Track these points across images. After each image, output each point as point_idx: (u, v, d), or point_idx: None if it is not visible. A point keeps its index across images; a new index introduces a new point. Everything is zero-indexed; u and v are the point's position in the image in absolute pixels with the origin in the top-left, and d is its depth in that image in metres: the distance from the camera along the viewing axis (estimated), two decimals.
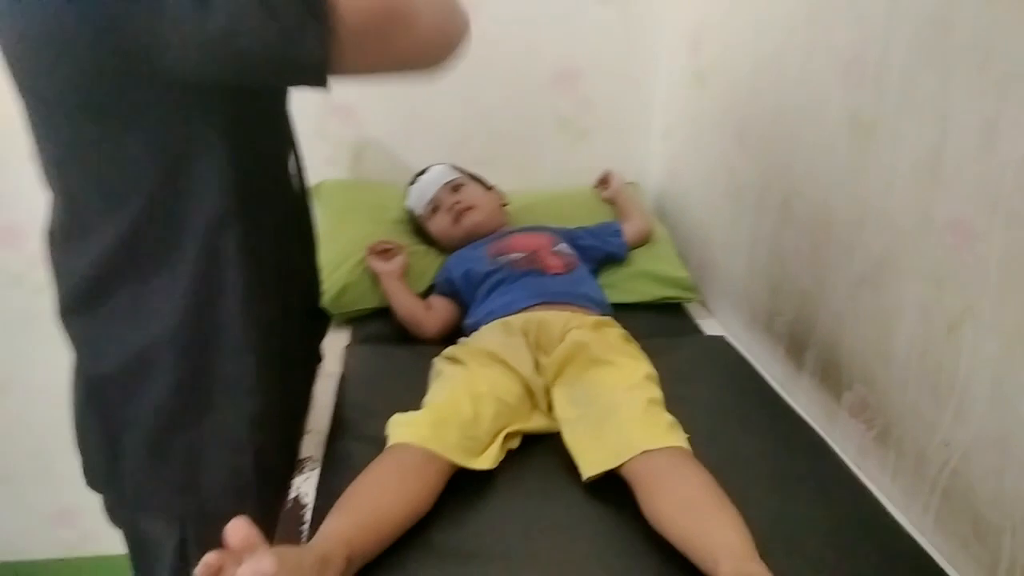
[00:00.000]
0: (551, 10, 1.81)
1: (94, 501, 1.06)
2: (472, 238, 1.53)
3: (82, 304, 0.90)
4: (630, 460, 0.91)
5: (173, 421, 0.92)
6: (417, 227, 1.64)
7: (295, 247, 1.05)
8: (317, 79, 0.72)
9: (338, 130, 1.82)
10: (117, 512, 1.05)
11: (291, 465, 1.07)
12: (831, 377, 1.19)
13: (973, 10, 0.86)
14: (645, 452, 0.91)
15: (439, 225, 1.56)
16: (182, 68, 0.72)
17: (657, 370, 1.12)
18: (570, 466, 0.99)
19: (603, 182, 1.81)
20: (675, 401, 1.05)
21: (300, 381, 1.11)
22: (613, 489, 0.93)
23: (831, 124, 1.15)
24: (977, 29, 0.86)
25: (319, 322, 1.18)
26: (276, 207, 0.96)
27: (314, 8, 0.69)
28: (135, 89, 0.75)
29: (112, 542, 1.14)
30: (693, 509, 0.85)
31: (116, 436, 0.94)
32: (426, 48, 0.79)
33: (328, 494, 0.93)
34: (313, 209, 1.07)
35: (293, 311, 1.03)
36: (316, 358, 1.18)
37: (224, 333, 0.90)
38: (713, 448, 0.97)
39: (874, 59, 1.05)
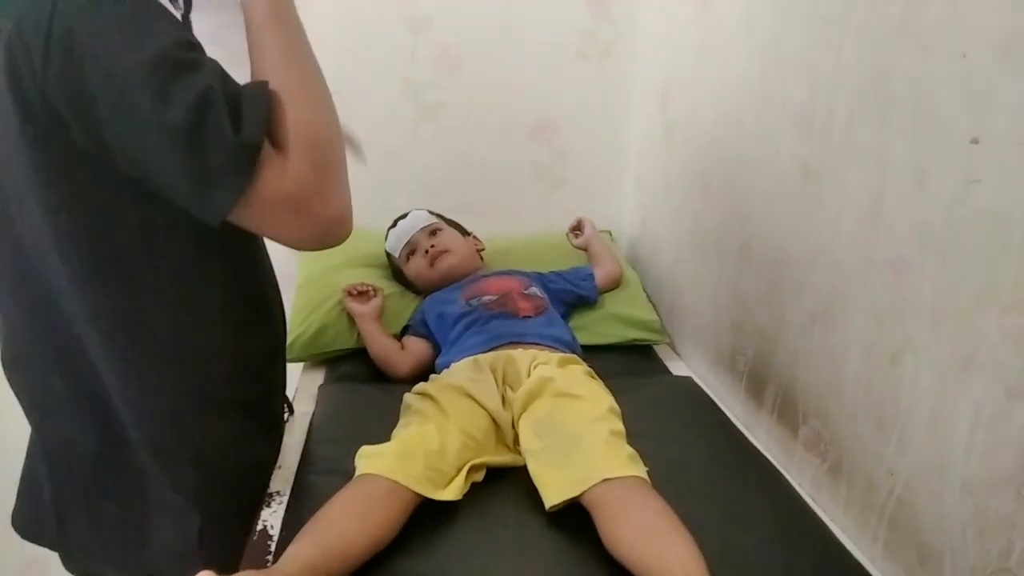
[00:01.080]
0: (530, 64, 1.90)
1: None
2: (447, 281, 1.58)
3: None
4: (591, 488, 0.94)
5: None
6: (395, 270, 1.69)
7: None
8: (210, 219, 0.74)
9: None
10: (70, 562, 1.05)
11: (247, 525, 1.04)
12: (788, 413, 1.23)
13: (906, 63, 0.93)
14: (606, 480, 0.94)
15: (415, 268, 1.61)
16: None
17: (623, 407, 1.15)
18: (533, 497, 1.01)
19: (576, 229, 1.87)
20: (638, 436, 1.08)
21: (258, 442, 1.08)
22: (575, 519, 0.95)
23: (784, 172, 1.21)
24: (910, 80, 0.92)
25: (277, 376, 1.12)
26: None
27: (239, 165, 0.71)
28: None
29: None
30: (649, 534, 0.87)
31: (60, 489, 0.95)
32: (318, 234, 0.79)
33: (294, 527, 0.94)
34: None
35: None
36: (278, 416, 1.14)
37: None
38: (673, 481, 1.00)
39: (821, 112, 1.11)
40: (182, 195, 0.74)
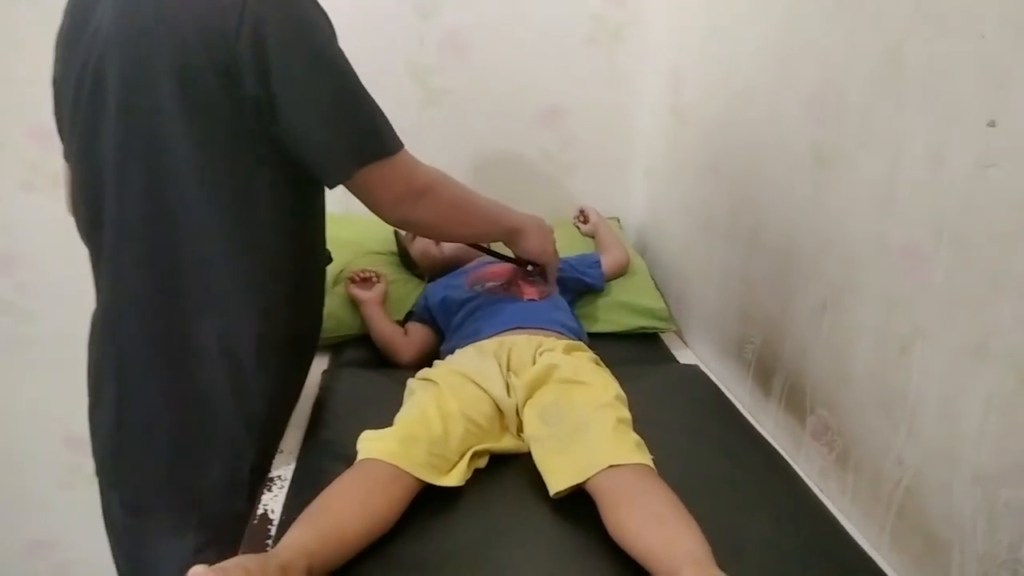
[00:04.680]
0: (539, 50, 1.88)
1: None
2: (452, 265, 1.57)
3: None
4: (596, 475, 0.93)
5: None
6: (401, 250, 1.68)
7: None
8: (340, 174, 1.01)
9: None
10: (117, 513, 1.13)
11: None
12: (796, 402, 1.21)
13: (921, 45, 0.91)
14: (611, 467, 0.93)
15: (420, 246, 1.60)
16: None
17: (630, 395, 1.13)
18: (537, 484, 1.00)
19: (583, 218, 1.85)
20: (645, 424, 1.06)
21: (296, 385, 1.22)
22: (579, 506, 0.94)
23: (795, 157, 1.19)
24: (925, 63, 0.90)
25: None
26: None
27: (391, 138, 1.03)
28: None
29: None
30: (655, 522, 0.86)
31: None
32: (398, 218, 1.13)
33: (295, 511, 0.93)
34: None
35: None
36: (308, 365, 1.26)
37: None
38: (679, 470, 0.98)
39: (834, 95, 1.09)
40: (324, 145, 0.97)
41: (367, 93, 1.00)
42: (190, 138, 0.93)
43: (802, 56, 1.17)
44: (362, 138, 1.00)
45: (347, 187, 1.03)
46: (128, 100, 0.94)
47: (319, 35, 0.95)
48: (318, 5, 0.97)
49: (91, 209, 1.03)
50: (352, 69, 0.99)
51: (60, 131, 1.11)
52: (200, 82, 0.91)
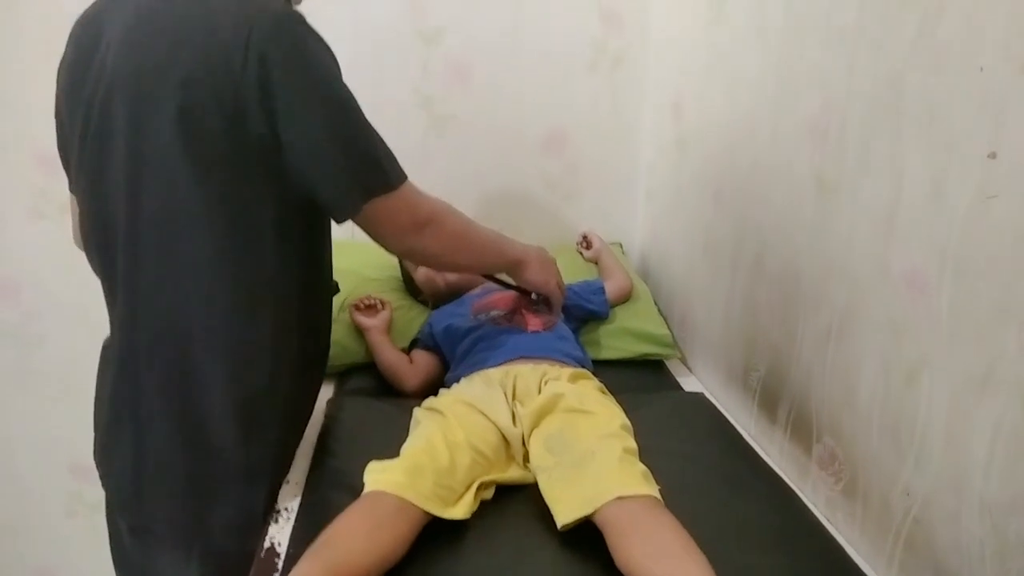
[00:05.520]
0: (541, 76, 1.90)
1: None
2: (456, 292, 1.57)
3: None
4: (603, 506, 0.92)
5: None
6: (405, 276, 1.69)
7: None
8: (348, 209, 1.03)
9: None
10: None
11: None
12: (802, 430, 1.21)
13: (921, 76, 0.92)
14: (618, 498, 0.92)
15: (424, 273, 1.61)
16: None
17: (635, 423, 1.13)
18: (544, 516, 1.00)
19: (586, 244, 1.86)
20: (650, 453, 1.06)
21: (305, 417, 1.24)
22: (586, 537, 0.94)
23: (798, 184, 1.20)
24: (925, 94, 0.91)
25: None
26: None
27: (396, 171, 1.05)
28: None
29: None
30: (663, 555, 0.86)
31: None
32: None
33: (302, 544, 0.93)
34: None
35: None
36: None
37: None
38: (685, 500, 0.98)
39: (836, 122, 1.10)
40: (330, 181, 0.98)
41: (371, 127, 1.01)
42: (195, 175, 0.94)
43: (803, 84, 1.18)
44: (367, 173, 1.00)
45: (352, 219, 1.04)
46: (135, 138, 0.95)
47: (323, 72, 0.96)
48: (322, 41, 0.98)
49: (102, 244, 1.04)
50: (356, 104, 1.00)
51: (65, 164, 1.12)
52: (205, 120, 0.92)
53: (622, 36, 1.89)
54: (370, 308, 1.58)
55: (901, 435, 0.96)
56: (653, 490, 0.96)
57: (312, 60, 0.95)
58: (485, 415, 1.12)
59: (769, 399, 1.32)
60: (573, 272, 1.75)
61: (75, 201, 1.11)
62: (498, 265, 1.34)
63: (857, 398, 1.06)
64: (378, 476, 0.97)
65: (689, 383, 1.58)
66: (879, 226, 1.00)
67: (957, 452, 0.87)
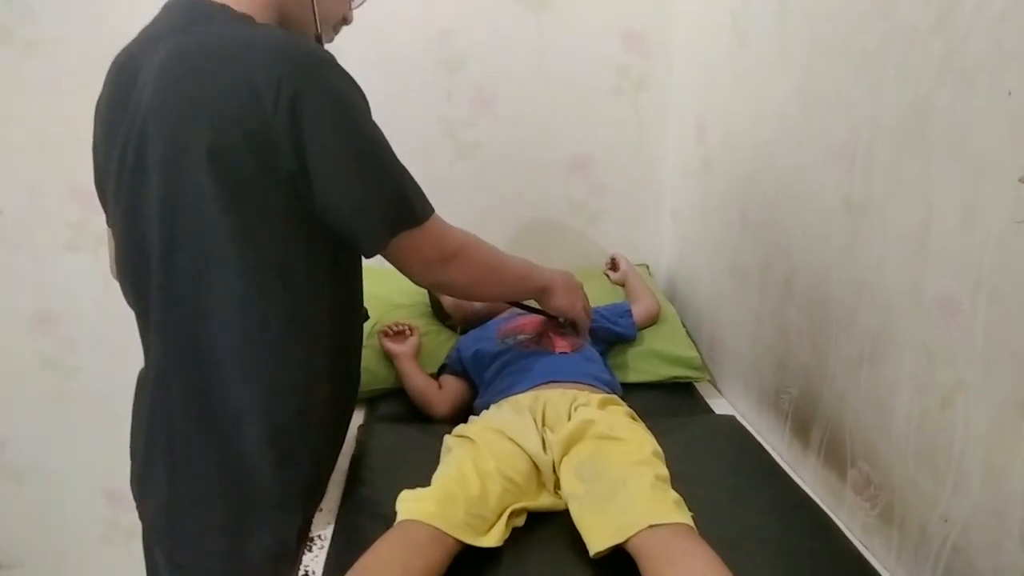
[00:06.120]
0: (565, 101, 1.91)
1: None
2: (483, 318, 1.58)
3: None
4: (636, 534, 0.92)
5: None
6: (434, 301, 1.71)
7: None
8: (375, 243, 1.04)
9: None
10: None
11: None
12: (836, 455, 1.20)
13: (948, 99, 0.91)
14: (651, 527, 0.92)
15: (452, 299, 1.62)
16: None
17: (665, 448, 1.13)
18: (576, 543, 1.00)
19: (612, 266, 1.86)
20: (682, 479, 1.06)
21: (338, 446, 1.25)
22: (619, 565, 0.93)
23: (825, 206, 1.20)
24: (952, 118, 0.91)
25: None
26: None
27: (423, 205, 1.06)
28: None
29: None
30: None
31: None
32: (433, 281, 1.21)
33: (337, 572, 0.95)
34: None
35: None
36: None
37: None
38: (718, 526, 0.98)
39: (862, 145, 1.10)
40: (359, 217, 1.00)
41: (398, 162, 1.03)
42: (227, 211, 0.96)
43: (828, 107, 1.18)
44: (395, 208, 1.02)
45: (380, 253, 1.06)
46: (168, 176, 0.97)
47: (352, 109, 0.98)
48: (351, 79, 0.99)
49: (136, 279, 1.06)
50: (384, 140, 1.02)
51: (102, 199, 1.14)
52: (235, 158, 0.94)
53: (645, 59, 1.90)
54: (399, 334, 1.59)
55: (938, 461, 0.95)
56: (686, 518, 0.96)
57: (342, 100, 0.97)
58: (515, 442, 1.13)
59: (802, 422, 1.31)
60: (600, 295, 1.75)
61: (111, 235, 1.14)
62: (525, 293, 1.35)
63: (892, 422, 1.05)
64: (410, 505, 0.98)
65: (720, 406, 1.57)
66: (910, 249, 0.99)
67: (997, 479, 0.86)
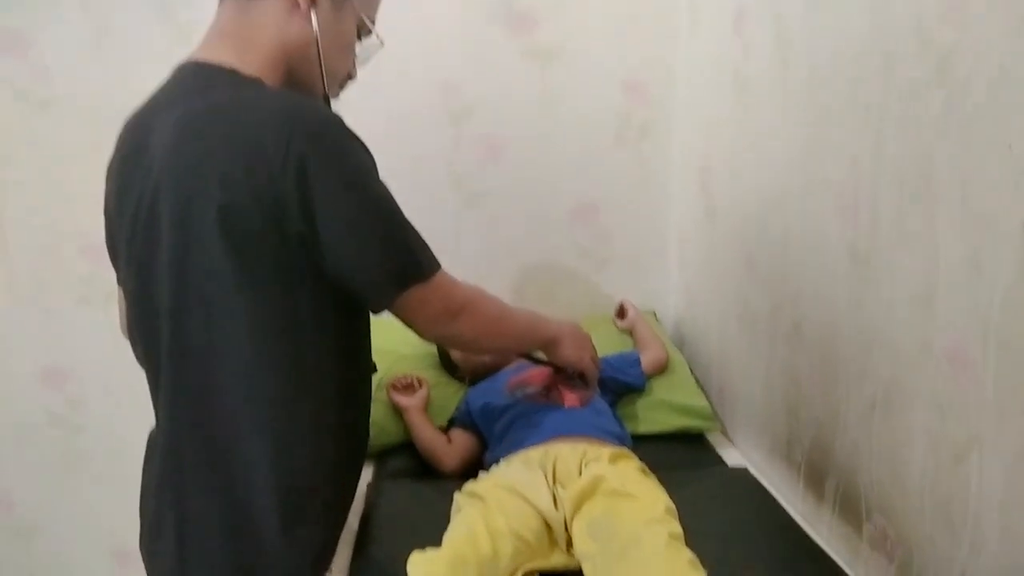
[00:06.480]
0: (569, 149, 1.93)
1: None
2: (491, 369, 1.58)
3: None
4: None
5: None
6: (442, 353, 1.71)
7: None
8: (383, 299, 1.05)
9: None
10: None
11: None
12: (851, 508, 1.18)
13: (950, 153, 0.92)
14: None
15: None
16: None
17: (678, 503, 1.12)
18: None
19: (620, 313, 1.86)
20: (696, 536, 1.04)
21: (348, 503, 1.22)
22: None
23: (831, 255, 1.20)
24: (955, 170, 0.91)
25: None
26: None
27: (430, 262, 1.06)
28: None
29: None
30: None
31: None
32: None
33: None
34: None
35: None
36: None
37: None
38: None
39: (866, 196, 1.10)
40: (367, 274, 1.01)
41: (405, 219, 1.04)
42: (236, 270, 0.97)
43: (831, 157, 1.19)
44: (402, 264, 1.03)
45: (387, 309, 1.06)
46: (179, 235, 0.98)
47: (359, 169, 0.99)
48: (357, 139, 1.01)
49: (147, 336, 1.06)
50: (391, 198, 1.03)
51: (113, 258, 1.15)
52: (244, 217, 0.95)
53: (648, 109, 1.92)
54: (408, 387, 1.59)
55: (954, 516, 0.94)
56: None
57: (349, 160, 0.98)
58: (526, 499, 1.12)
59: (815, 474, 1.29)
60: (608, 342, 1.75)
61: (122, 293, 1.14)
62: (531, 346, 1.35)
63: (906, 475, 1.03)
64: (421, 568, 0.97)
65: (731, 456, 1.56)
66: (918, 300, 0.99)
67: (1014, 534, 0.84)
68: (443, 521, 1.15)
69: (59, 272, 1.87)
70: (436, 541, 1.05)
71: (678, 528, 1.05)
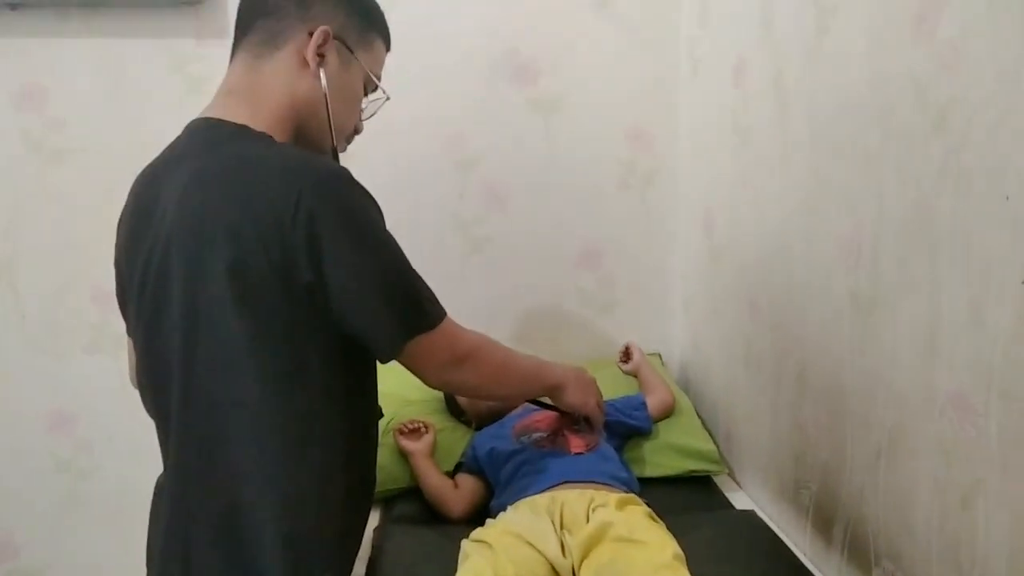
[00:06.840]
0: (573, 196, 1.97)
1: None
2: (498, 414, 1.58)
3: None
4: None
5: None
6: (448, 397, 1.71)
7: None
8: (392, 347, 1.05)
9: None
10: None
11: None
12: (859, 552, 1.18)
13: (949, 201, 0.94)
14: None
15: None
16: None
17: (687, 548, 1.11)
18: None
19: (625, 356, 1.87)
20: None
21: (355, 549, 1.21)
22: None
23: (835, 300, 1.21)
24: (955, 218, 0.93)
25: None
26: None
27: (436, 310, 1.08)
28: None
29: None
30: None
31: None
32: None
33: None
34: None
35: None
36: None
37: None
38: None
39: (867, 243, 1.12)
40: (375, 323, 1.02)
41: (412, 269, 1.06)
42: (246, 322, 0.98)
43: (832, 204, 1.21)
44: (409, 314, 1.04)
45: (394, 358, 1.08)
46: (189, 288, 1.00)
47: (367, 223, 1.02)
48: (365, 192, 1.03)
49: (156, 387, 1.08)
50: (398, 249, 1.05)
51: (123, 310, 1.17)
52: (254, 270, 0.97)
53: (651, 156, 1.95)
54: (414, 431, 1.59)
55: (962, 562, 0.94)
56: None
57: (358, 214, 1.00)
58: (534, 546, 1.12)
59: (823, 518, 1.29)
60: (613, 385, 1.75)
61: (131, 344, 1.16)
62: (536, 392, 1.36)
63: (913, 520, 1.04)
64: None
65: (739, 499, 1.55)
66: (921, 347, 1.01)
67: None
68: (450, 568, 1.15)
69: (70, 319, 1.89)
70: None
71: (687, 574, 1.05)
